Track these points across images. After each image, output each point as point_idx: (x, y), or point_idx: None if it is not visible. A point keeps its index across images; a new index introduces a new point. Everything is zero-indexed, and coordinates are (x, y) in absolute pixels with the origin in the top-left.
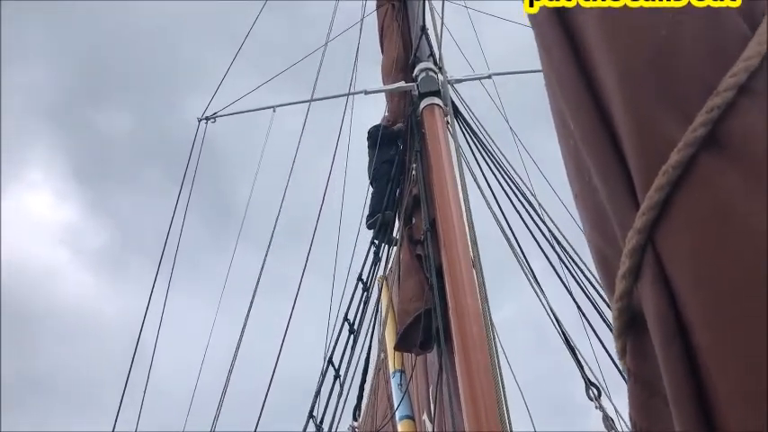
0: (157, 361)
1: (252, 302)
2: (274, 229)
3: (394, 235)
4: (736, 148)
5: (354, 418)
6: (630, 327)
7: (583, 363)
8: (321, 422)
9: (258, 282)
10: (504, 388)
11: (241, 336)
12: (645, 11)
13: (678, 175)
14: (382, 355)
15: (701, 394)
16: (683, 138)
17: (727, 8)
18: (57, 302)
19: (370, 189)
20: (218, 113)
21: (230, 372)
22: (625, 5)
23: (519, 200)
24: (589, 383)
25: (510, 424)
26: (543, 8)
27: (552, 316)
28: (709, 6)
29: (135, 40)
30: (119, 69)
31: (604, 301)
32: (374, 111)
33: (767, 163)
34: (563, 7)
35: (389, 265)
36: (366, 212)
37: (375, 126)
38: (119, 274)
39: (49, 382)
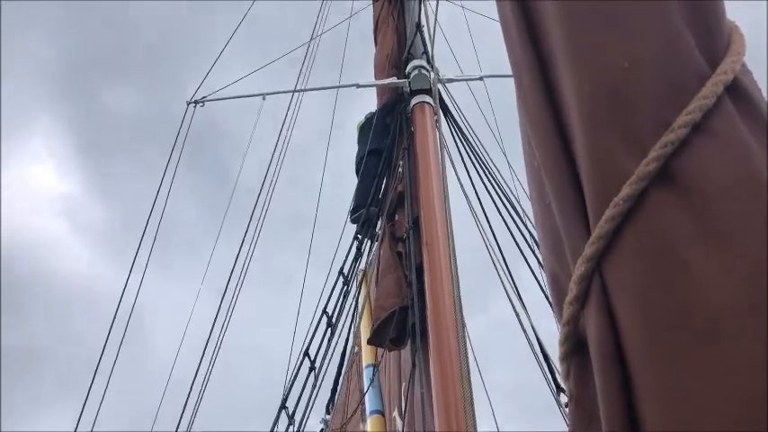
0: (144, 341)
1: (236, 292)
2: (260, 220)
3: (377, 230)
4: (686, 185)
5: (327, 412)
6: (575, 351)
7: (554, 367)
8: (293, 414)
9: (243, 272)
10: (471, 387)
11: (222, 324)
12: (613, 37)
13: (628, 207)
14: (356, 349)
15: (634, 423)
16: (635, 171)
17: (687, 45)
18: (51, 275)
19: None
20: (207, 98)
21: (212, 362)
22: (594, 29)
23: (503, 203)
24: (558, 389)
25: (475, 426)
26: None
27: (526, 319)
28: (669, 41)
29: (147, 18)
30: (127, 46)
31: None
32: (371, 104)
33: (714, 204)
34: (535, 28)
35: (370, 259)
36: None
37: (368, 116)
38: (115, 250)
39: (39, 353)
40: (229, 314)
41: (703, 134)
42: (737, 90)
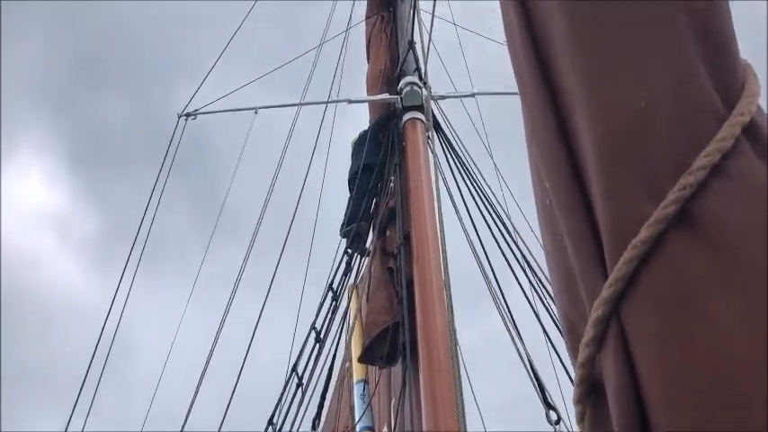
0: (133, 354)
1: (228, 306)
2: (255, 235)
3: (367, 246)
4: (706, 229)
5: (314, 427)
6: (591, 393)
7: (545, 387)
8: (280, 430)
9: (236, 287)
10: (463, 403)
11: (216, 337)
12: (628, 76)
13: (646, 250)
14: (347, 364)
15: None
16: (654, 213)
17: (703, 84)
18: (40, 288)
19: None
20: (200, 111)
21: (203, 374)
22: (608, 68)
23: (494, 221)
24: (549, 407)
25: None
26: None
27: (515, 335)
28: (686, 80)
29: (138, 30)
30: (118, 57)
31: None
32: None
33: (733, 248)
34: (546, 65)
35: (361, 274)
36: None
37: (362, 133)
38: (103, 264)
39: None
40: (220, 328)
41: (722, 176)
42: (754, 131)
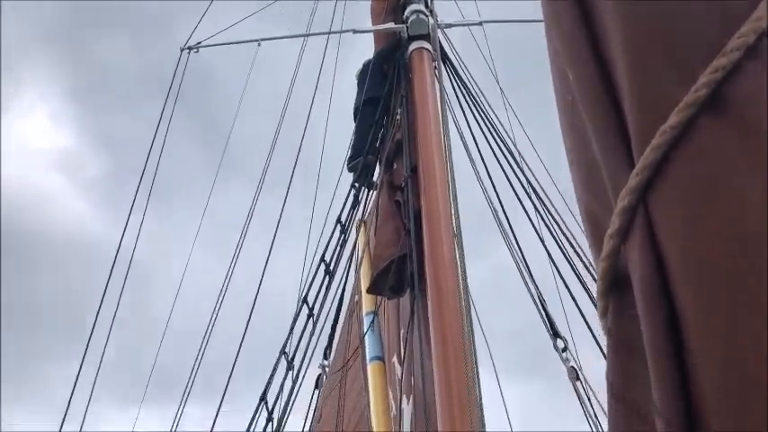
0: (146, 291)
1: (240, 243)
2: (266, 167)
3: (374, 179)
4: (738, 113)
5: (325, 357)
6: (614, 287)
7: (551, 314)
8: (293, 359)
9: (248, 221)
10: (473, 333)
11: (227, 272)
12: None
13: (676, 136)
14: (356, 298)
15: (681, 360)
16: (684, 98)
17: None
18: (50, 227)
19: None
20: (202, 43)
21: (215, 313)
22: None
23: (502, 152)
24: (556, 336)
25: (477, 368)
26: None
27: (522, 264)
28: None
29: None
30: None
31: (578, 256)
32: (368, 55)
33: (765, 131)
34: None
35: (368, 209)
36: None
37: (365, 62)
38: (112, 202)
39: (40, 308)
40: (233, 263)
41: (756, 58)
42: None
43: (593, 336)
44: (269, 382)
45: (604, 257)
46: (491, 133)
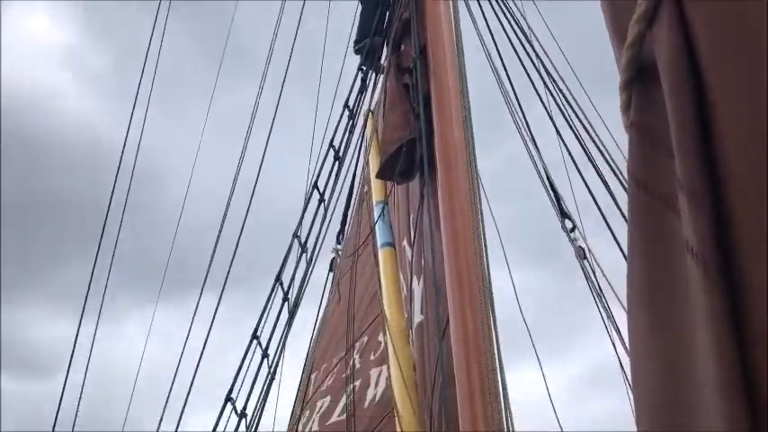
0: (157, 183)
1: (248, 133)
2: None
3: (382, 62)
4: None
5: (338, 242)
6: (637, 78)
7: (561, 197)
8: (305, 243)
9: (254, 113)
10: (482, 215)
11: (238, 161)
12: None
13: None
14: (365, 188)
15: (706, 143)
16: None
17: None
18: (56, 124)
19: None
20: None
21: (230, 197)
22: None
23: (513, 30)
24: (564, 216)
25: (485, 244)
26: None
27: (531, 144)
28: None
29: None
30: None
31: (590, 137)
32: None
33: None
34: None
35: (376, 98)
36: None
37: None
38: (119, 97)
39: (49, 206)
40: (244, 151)
41: None
42: None
43: (604, 219)
44: (283, 264)
45: (628, 46)
46: (502, 11)
